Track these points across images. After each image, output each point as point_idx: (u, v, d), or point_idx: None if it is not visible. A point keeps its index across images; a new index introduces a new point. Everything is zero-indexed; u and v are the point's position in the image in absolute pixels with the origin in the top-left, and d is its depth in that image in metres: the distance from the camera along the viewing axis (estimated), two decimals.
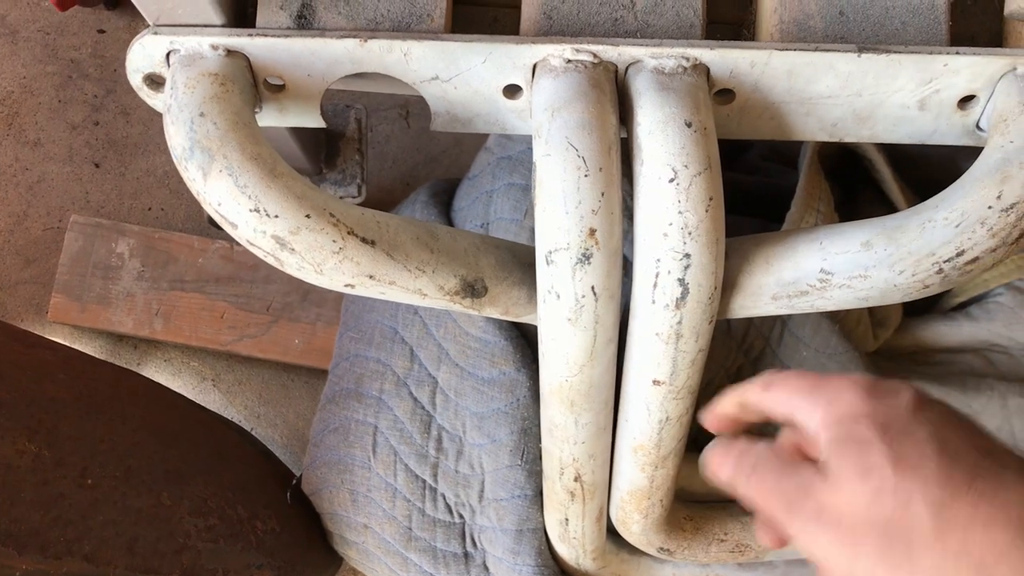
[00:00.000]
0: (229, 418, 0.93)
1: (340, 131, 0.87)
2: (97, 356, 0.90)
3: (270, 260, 0.51)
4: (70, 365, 0.78)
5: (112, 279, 0.94)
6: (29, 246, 0.99)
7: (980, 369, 0.86)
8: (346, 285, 0.52)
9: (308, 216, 0.49)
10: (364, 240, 0.50)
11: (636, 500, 0.69)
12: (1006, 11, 0.55)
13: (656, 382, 0.57)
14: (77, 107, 1.02)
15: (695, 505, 0.79)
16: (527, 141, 0.81)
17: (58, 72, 1.03)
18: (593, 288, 0.51)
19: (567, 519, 0.72)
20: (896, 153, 0.91)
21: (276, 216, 0.49)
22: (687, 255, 0.50)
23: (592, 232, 0.49)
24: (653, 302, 0.52)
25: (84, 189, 1.01)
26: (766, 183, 0.93)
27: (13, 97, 1.02)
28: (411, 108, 1.01)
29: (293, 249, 0.50)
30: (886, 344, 0.86)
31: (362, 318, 0.84)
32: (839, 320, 0.80)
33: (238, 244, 0.96)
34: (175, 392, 0.87)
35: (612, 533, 0.79)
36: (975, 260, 0.49)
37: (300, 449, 0.96)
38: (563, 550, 0.76)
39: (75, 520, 0.68)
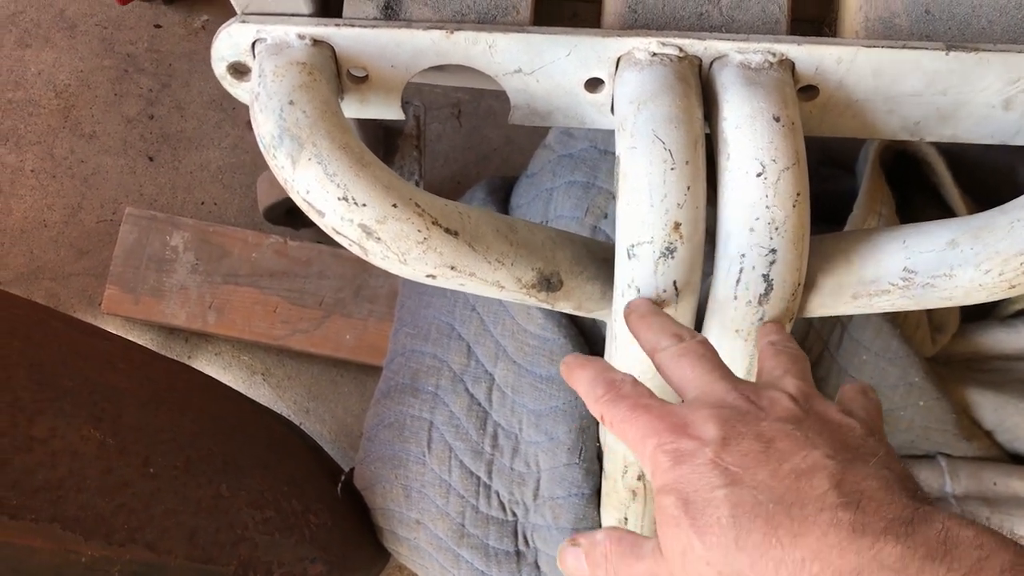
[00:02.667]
0: (279, 412, 0.93)
1: (398, 128, 0.87)
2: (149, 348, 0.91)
3: (355, 249, 0.51)
4: (129, 356, 0.79)
5: (166, 272, 0.95)
6: (83, 238, 1.00)
7: None
8: (428, 276, 0.52)
9: (395, 205, 0.49)
10: (448, 231, 0.50)
11: None
12: None
13: None
14: (132, 101, 1.03)
15: None
16: (587, 139, 0.80)
17: (114, 66, 1.03)
18: (675, 283, 0.51)
19: (626, 518, 0.71)
20: (953, 158, 0.90)
21: (364, 205, 0.49)
22: (773, 250, 0.49)
23: (677, 226, 0.49)
24: (735, 298, 0.51)
25: (138, 182, 1.01)
26: (821, 188, 0.92)
27: (70, 90, 1.03)
28: (463, 107, 1.01)
29: (379, 238, 0.50)
30: (943, 350, 0.85)
31: (418, 314, 0.84)
32: (899, 324, 0.79)
33: (292, 239, 0.97)
34: (228, 386, 0.87)
35: None
36: None
37: (348, 445, 0.96)
38: None
39: (138, 508, 0.68)
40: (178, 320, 0.94)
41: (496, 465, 0.79)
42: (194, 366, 0.97)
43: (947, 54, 0.51)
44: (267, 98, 0.50)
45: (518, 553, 0.81)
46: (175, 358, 0.95)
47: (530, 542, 0.80)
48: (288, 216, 0.97)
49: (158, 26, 1.04)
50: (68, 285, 0.99)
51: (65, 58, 1.03)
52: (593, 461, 0.75)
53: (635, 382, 0.45)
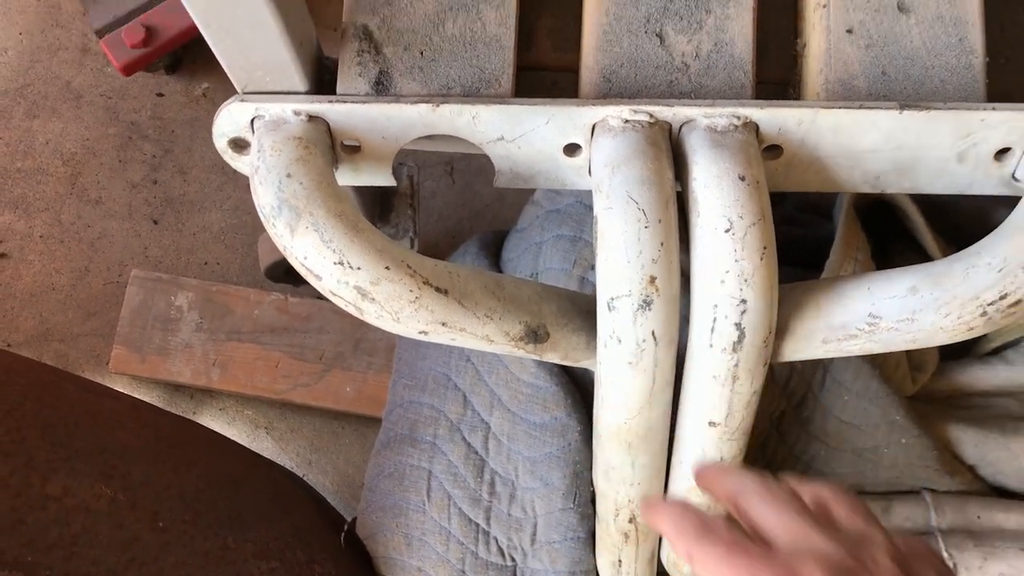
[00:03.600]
0: (282, 465, 0.95)
1: (393, 187, 0.90)
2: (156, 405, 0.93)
3: (351, 309, 0.54)
4: (137, 414, 0.81)
5: (171, 331, 0.98)
6: (90, 300, 1.03)
7: (1017, 412, 0.88)
8: (420, 332, 0.55)
9: (387, 268, 0.52)
10: (438, 289, 0.53)
11: None
12: None
13: (712, 423, 0.59)
14: (136, 166, 1.07)
15: None
16: (574, 195, 0.84)
17: (119, 133, 1.08)
18: (653, 333, 0.54)
19: (620, 560, 0.74)
20: (927, 204, 0.94)
21: (358, 268, 0.52)
22: (743, 300, 0.53)
23: (652, 280, 0.52)
24: (711, 346, 0.55)
25: (143, 245, 1.05)
26: (801, 234, 0.96)
27: (77, 158, 1.07)
28: (455, 165, 1.05)
29: (373, 299, 0.53)
30: (924, 388, 0.88)
31: (415, 366, 0.87)
32: (879, 365, 0.82)
33: (292, 296, 1.00)
34: (233, 440, 0.90)
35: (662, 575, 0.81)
36: (1018, 303, 0.52)
37: (350, 495, 0.99)
38: None
39: (148, 562, 0.70)
40: (183, 377, 0.97)
41: (494, 511, 0.82)
42: (199, 421, 0.99)
43: (901, 113, 0.55)
44: (266, 171, 0.54)
45: None
46: (181, 414, 0.98)
47: None
48: (288, 274, 1.00)
49: (160, 95, 1.08)
50: (76, 346, 1.02)
51: (71, 127, 1.08)
52: (587, 505, 0.77)
53: (730, 523, 0.45)
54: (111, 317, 1.02)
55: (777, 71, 0.61)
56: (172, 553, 0.72)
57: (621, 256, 0.52)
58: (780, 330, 0.58)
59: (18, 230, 1.05)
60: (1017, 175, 0.57)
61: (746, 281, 0.52)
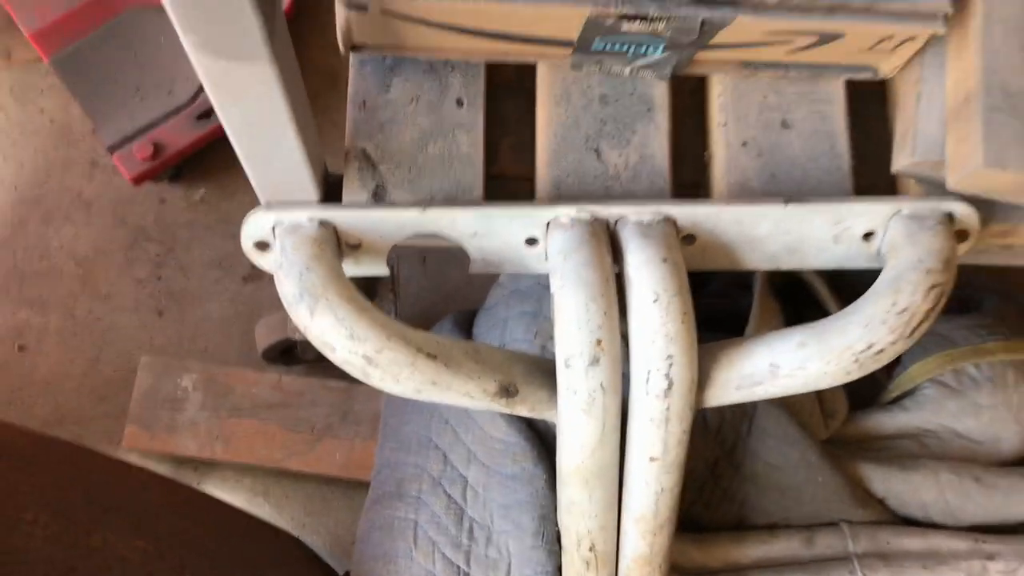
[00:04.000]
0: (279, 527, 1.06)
1: (376, 275, 1.03)
2: None
3: (359, 375, 0.67)
4: (157, 480, 0.92)
5: (178, 409, 1.09)
6: (102, 385, 1.14)
7: (916, 452, 1.02)
8: (416, 391, 0.67)
9: (389, 339, 0.65)
10: (429, 355, 0.66)
11: (639, 566, 0.83)
12: (892, 169, 0.74)
13: (652, 459, 0.72)
14: (142, 264, 1.19)
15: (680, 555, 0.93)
16: (534, 277, 0.98)
17: (126, 236, 1.20)
18: (602, 384, 0.67)
19: None
20: (834, 276, 1.09)
21: (366, 340, 0.65)
22: (670, 356, 0.66)
23: (599, 342, 0.66)
24: (647, 394, 0.68)
25: (149, 334, 1.16)
26: (730, 307, 1.10)
27: (88, 259, 1.19)
28: (427, 254, 1.18)
29: (378, 365, 0.65)
30: (836, 433, 1.01)
31: (400, 431, 0.99)
32: (795, 413, 0.96)
33: (286, 375, 1.12)
34: (235, 507, 1.01)
35: None
36: (881, 351, 0.66)
37: (341, 553, 1.09)
38: None
39: None
40: (190, 451, 1.08)
41: (473, 554, 0.93)
42: (204, 491, 1.10)
43: (786, 207, 0.70)
44: (288, 267, 0.66)
45: None
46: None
47: None
48: (282, 355, 1.12)
49: (163, 201, 1.21)
50: (90, 428, 1.12)
51: (83, 232, 1.20)
52: (554, 543, 0.88)
53: None
54: (121, 400, 1.12)
55: (690, 176, 0.76)
56: None
57: (574, 324, 0.66)
58: (702, 381, 0.71)
59: (35, 325, 1.16)
60: (881, 251, 0.72)
61: (671, 341, 0.66)
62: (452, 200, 0.70)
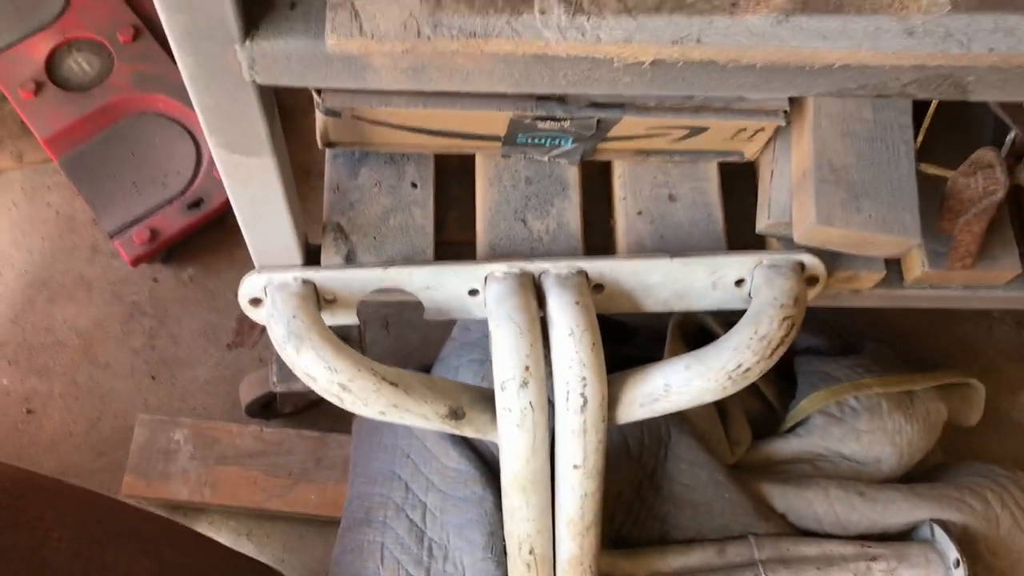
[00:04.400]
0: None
1: (345, 335, 1.19)
2: None
3: (335, 400, 0.82)
4: (156, 517, 1.05)
5: (171, 460, 1.22)
6: (101, 443, 1.27)
7: (810, 472, 1.18)
8: (380, 412, 0.83)
9: (359, 370, 0.81)
10: (391, 383, 0.82)
11: (572, 567, 0.97)
12: (756, 230, 0.93)
13: (575, 466, 0.87)
14: (137, 336, 1.34)
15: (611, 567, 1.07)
16: (480, 330, 1.14)
17: (122, 311, 1.35)
18: (531, 403, 0.83)
19: None
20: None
21: (341, 372, 0.80)
22: (584, 378, 0.82)
23: (527, 368, 0.82)
24: (567, 410, 0.84)
25: (143, 396, 1.30)
26: (648, 356, 1.27)
27: (88, 332, 1.33)
28: (390, 319, 1.35)
29: (350, 391, 0.81)
30: (742, 459, 1.17)
31: (368, 467, 1.13)
32: (705, 440, 1.12)
33: (266, 427, 1.26)
34: (223, 544, 1.13)
35: None
36: (748, 370, 0.83)
37: None
38: None
39: None
40: (182, 496, 1.21)
41: (433, 570, 1.06)
42: None
43: (671, 260, 0.87)
44: (278, 316, 0.82)
45: None
46: None
47: None
48: (263, 409, 1.26)
49: (156, 280, 1.37)
50: (90, 480, 1.25)
51: (84, 309, 1.34)
52: (501, 555, 1.02)
53: None
54: (118, 456, 1.25)
55: (599, 240, 0.93)
56: None
57: (506, 354, 0.82)
58: (613, 401, 0.87)
59: (41, 391, 1.29)
60: (750, 294, 0.90)
61: (584, 365, 0.82)
62: (409, 260, 0.87)
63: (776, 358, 0.84)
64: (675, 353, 1.14)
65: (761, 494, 1.14)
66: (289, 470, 1.23)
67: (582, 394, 0.83)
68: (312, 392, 1.20)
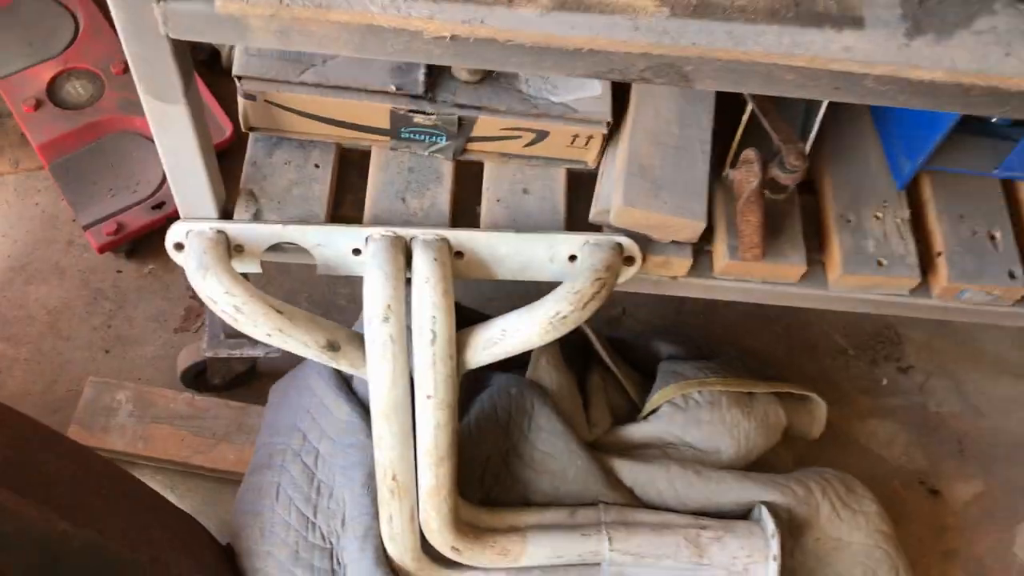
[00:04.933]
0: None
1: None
2: None
3: (231, 319, 1.00)
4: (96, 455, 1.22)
5: (112, 416, 1.39)
6: (55, 401, 1.44)
7: (658, 455, 1.34)
8: (267, 334, 1.01)
9: (251, 296, 0.99)
10: (278, 311, 1.00)
11: (430, 496, 1.12)
12: (589, 218, 1.13)
13: (428, 396, 1.05)
14: (98, 316, 1.52)
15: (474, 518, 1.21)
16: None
17: (88, 295, 1.54)
18: (391, 336, 1.01)
19: (391, 516, 1.14)
20: (614, 340, 1.46)
21: (236, 296, 0.99)
22: (434, 316, 1.01)
23: (388, 306, 1.00)
24: (421, 344, 1.02)
25: (97, 366, 1.48)
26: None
27: (56, 310, 1.52)
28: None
29: (243, 312, 0.99)
30: (600, 440, 1.34)
31: (275, 420, 1.30)
32: (565, 416, 1.29)
33: (197, 396, 1.43)
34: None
35: (430, 554, 1.21)
36: (565, 317, 1.01)
37: (227, 533, 1.36)
38: (391, 549, 1.17)
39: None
40: (118, 447, 1.37)
41: (319, 507, 1.22)
42: None
43: (517, 234, 1.07)
44: (192, 253, 1.02)
45: (332, 571, 1.21)
46: None
47: (340, 562, 1.21)
48: (195, 379, 1.44)
49: (119, 271, 1.56)
50: None
51: (55, 291, 1.53)
52: (375, 491, 1.18)
53: None
54: (69, 413, 1.42)
55: (466, 222, 1.14)
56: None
57: (374, 295, 1.01)
58: (462, 346, 1.05)
59: (8, 355, 1.47)
60: (578, 268, 1.09)
61: (435, 306, 1.01)
62: (306, 220, 1.07)
63: (588, 311, 1.03)
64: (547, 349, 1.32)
65: (612, 468, 1.30)
66: (213, 432, 1.40)
67: (432, 329, 1.01)
68: (237, 366, 1.39)
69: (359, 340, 1.06)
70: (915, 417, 1.62)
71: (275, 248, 1.07)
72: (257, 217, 1.07)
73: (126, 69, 1.61)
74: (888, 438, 1.60)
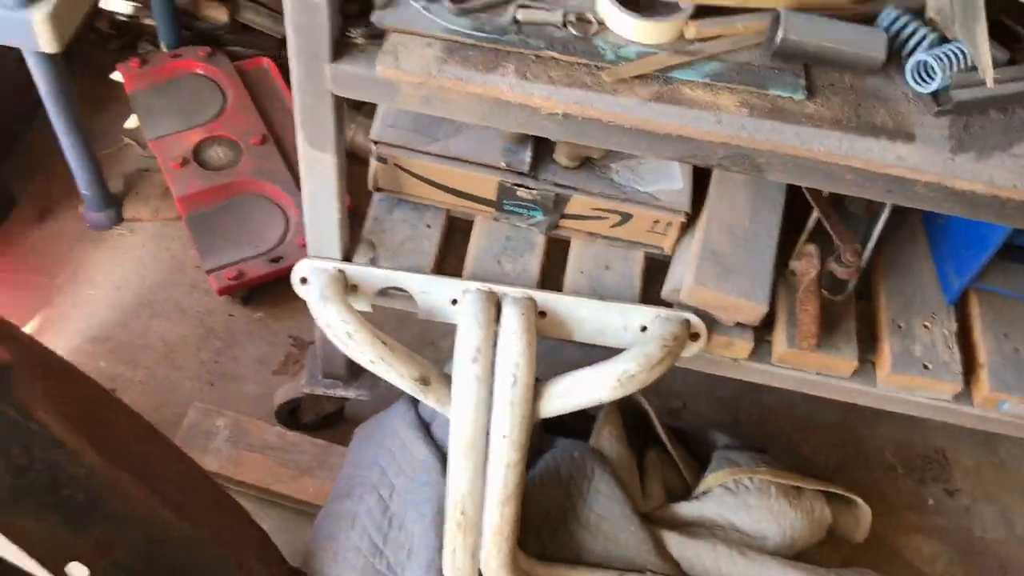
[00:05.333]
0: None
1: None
2: None
3: (342, 343, 1.14)
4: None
5: (210, 439, 1.52)
6: (161, 422, 1.56)
7: (707, 534, 1.41)
8: (370, 360, 1.14)
9: (362, 326, 1.13)
10: (384, 342, 1.14)
11: (493, 537, 1.21)
12: (661, 295, 1.25)
13: (504, 436, 1.16)
14: (208, 352, 1.68)
15: (529, 568, 1.30)
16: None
17: (201, 333, 1.70)
18: (476, 375, 1.13)
19: (455, 550, 1.23)
20: (675, 429, 1.56)
21: (350, 324, 1.13)
22: (517, 363, 1.13)
23: (479, 349, 1.13)
24: (502, 386, 1.13)
25: (202, 395, 1.62)
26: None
27: (172, 343, 1.68)
28: None
29: (353, 339, 1.13)
30: (653, 513, 1.42)
31: (358, 455, 1.41)
32: (624, 489, 1.37)
33: (288, 431, 1.56)
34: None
35: None
36: (633, 376, 1.12)
37: (299, 561, 1.46)
38: None
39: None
40: (212, 468, 1.50)
41: (389, 537, 1.31)
42: None
43: (596, 301, 1.20)
44: (316, 285, 1.17)
45: None
46: None
47: None
48: (288, 416, 1.57)
49: (232, 315, 1.73)
50: None
51: (174, 326, 1.70)
52: (442, 527, 1.28)
53: None
54: (173, 432, 1.56)
55: (549, 285, 1.27)
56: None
57: (466, 338, 1.14)
58: (538, 395, 1.17)
59: (126, 376, 1.63)
60: (648, 336, 1.21)
61: (519, 353, 1.13)
62: (414, 269, 1.22)
63: (654, 375, 1.14)
64: (614, 421, 1.43)
65: (662, 539, 1.37)
66: (298, 464, 1.52)
67: (514, 374, 1.13)
68: (328, 406, 1.52)
69: (447, 379, 1.18)
70: (959, 539, 1.65)
71: (384, 293, 1.22)
72: (373, 263, 1.22)
73: (262, 141, 1.82)
74: (931, 556, 1.63)
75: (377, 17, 0.94)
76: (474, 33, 0.94)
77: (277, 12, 2.01)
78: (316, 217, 1.15)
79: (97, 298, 1.72)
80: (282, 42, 2.03)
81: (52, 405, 1.09)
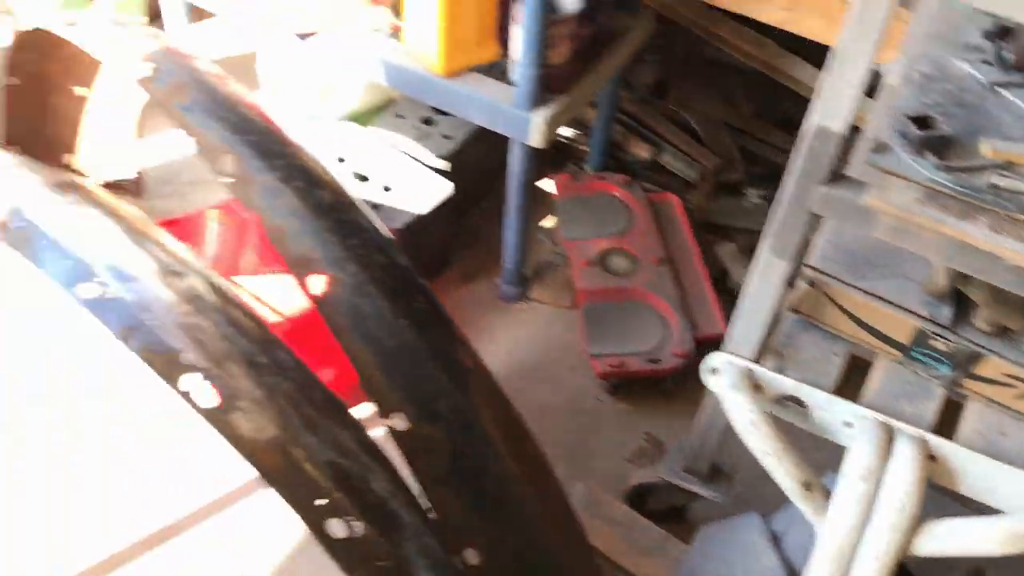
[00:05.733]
0: None
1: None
2: None
3: (742, 428, 1.26)
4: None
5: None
6: None
7: None
8: (765, 452, 1.25)
9: (762, 417, 1.25)
10: (776, 438, 1.25)
11: None
12: None
13: (875, 558, 1.20)
14: (573, 425, 1.87)
15: None
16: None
17: (571, 408, 1.90)
18: (863, 492, 1.20)
19: None
20: None
21: (754, 413, 1.25)
22: (906, 492, 1.18)
23: (870, 470, 1.21)
24: (887, 509, 1.19)
25: (558, 463, 1.81)
26: None
27: (541, 409, 1.89)
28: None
29: (757, 428, 1.25)
30: None
31: (706, 551, 1.50)
32: None
33: (635, 513, 1.68)
34: None
35: None
36: (1020, 535, 1.14)
37: None
38: None
39: None
40: None
41: None
42: None
43: (990, 460, 1.23)
44: (728, 376, 1.31)
45: None
46: None
47: None
48: (635, 499, 1.70)
49: (600, 400, 1.92)
50: None
51: (549, 396, 1.91)
52: None
53: None
54: None
55: (944, 433, 1.31)
56: None
57: (860, 457, 1.21)
58: (916, 532, 1.21)
59: None
60: None
61: (910, 483, 1.19)
62: (815, 385, 1.33)
63: None
64: None
65: None
66: (639, 545, 1.63)
67: (902, 501, 1.19)
68: (678, 499, 1.64)
69: (827, 492, 1.26)
70: None
71: (779, 402, 1.33)
72: (779, 371, 1.35)
73: (659, 262, 2.04)
74: None
75: (872, 159, 1.10)
76: (954, 187, 1.07)
77: (692, 159, 2.27)
78: (747, 316, 1.30)
79: (493, 355, 1.99)
80: (688, 185, 2.28)
81: (491, 414, 1.31)
